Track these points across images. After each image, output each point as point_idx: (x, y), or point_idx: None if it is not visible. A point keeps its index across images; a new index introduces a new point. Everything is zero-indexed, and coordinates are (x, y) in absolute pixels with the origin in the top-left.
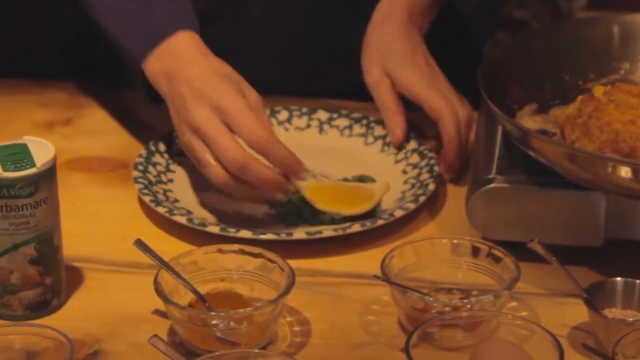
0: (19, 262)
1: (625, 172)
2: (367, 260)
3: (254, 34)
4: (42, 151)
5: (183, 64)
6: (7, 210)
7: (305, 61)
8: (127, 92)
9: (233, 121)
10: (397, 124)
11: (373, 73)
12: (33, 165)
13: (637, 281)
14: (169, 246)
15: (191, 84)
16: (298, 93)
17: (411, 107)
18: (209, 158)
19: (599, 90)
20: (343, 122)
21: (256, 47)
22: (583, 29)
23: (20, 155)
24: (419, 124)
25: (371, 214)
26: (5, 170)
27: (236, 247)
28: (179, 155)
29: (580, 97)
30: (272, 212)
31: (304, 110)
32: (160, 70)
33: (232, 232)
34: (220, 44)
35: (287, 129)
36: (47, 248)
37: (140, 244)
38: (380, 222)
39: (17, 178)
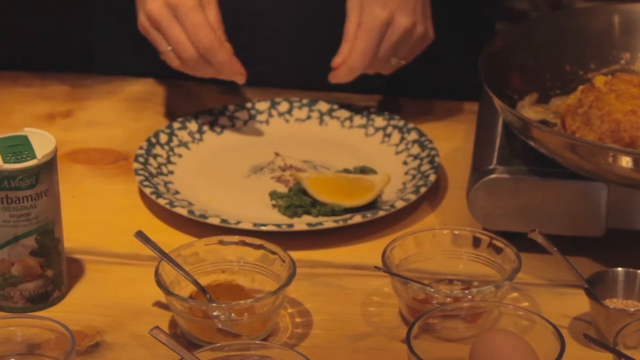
0: (19, 254)
1: (626, 162)
2: (368, 251)
3: (262, 12)
4: (42, 143)
5: None
6: (8, 202)
7: (306, 53)
8: (127, 84)
9: (181, 19)
10: (341, 52)
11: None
12: (34, 157)
13: (639, 271)
14: (169, 238)
15: None
16: (298, 86)
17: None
18: (163, 44)
19: (599, 80)
20: (343, 113)
21: (263, 27)
22: (584, 18)
23: (20, 147)
24: (422, 117)
25: (372, 205)
26: (5, 162)
27: (237, 238)
28: (180, 146)
29: (581, 87)
30: (273, 203)
31: (305, 101)
32: None
33: (232, 223)
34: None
35: (287, 121)
36: (48, 240)
37: (141, 235)
38: (381, 213)
39: (18, 170)
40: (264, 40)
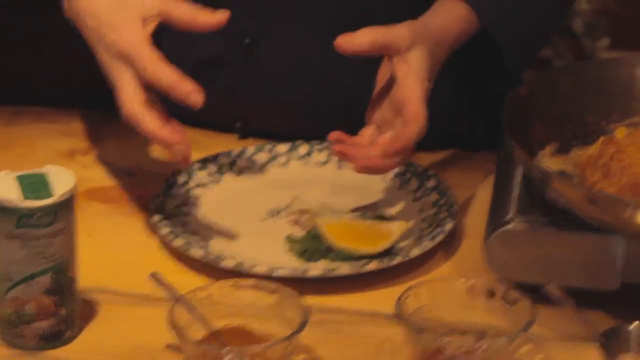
0: (34, 292)
1: None
2: (382, 299)
3: (261, 81)
4: (62, 180)
5: None
6: (25, 240)
7: (313, 109)
8: None
9: (131, 62)
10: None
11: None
12: (53, 195)
13: None
14: (185, 279)
15: (92, 22)
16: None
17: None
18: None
19: (620, 132)
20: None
21: (263, 93)
22: (607, 69)
23: (40, 184)
24: (439, 164)
25: (388, 252)
26: (25, 198)
27: (252, 282)
28: (198, 187)
29: (601, 139)
30: (289, 247)
31: (324, 144)
32: (67, 5)
33: (247, 267)
34: (227, 91)
35: (307, 164)
36: (63, 278)
37: (155, 277)
38: (396, 260)
39: (37, 207)
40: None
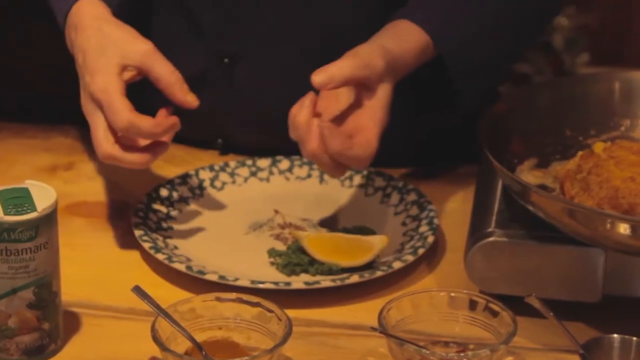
0: (17, 306)
1: (624, 228)
2: (365, 311)
3: (240, 99)
4: (43, 195)
5: (78, 32)
6: (7, 254)
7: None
8: None
9: (101, 108)
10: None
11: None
12: (34, 209)
13: (634, 338)
14: (167, 293)
15: (81, 61)
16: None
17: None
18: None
19: (599, 147)
20: (346, 172)
21: (243, 111)
22: (585, 84)
23: (21, 199)
24: (421, 178)
25: (369, 265)
26: (6, 214)
27: (234, 295)
28: (180, 201)
29: (580, 153)
30: (271, 261)
31: (305, 160)
32: (68, 41)
33: (230, 280)
34: (208, 109)
35: (288, 178)
36: (45, 293)
37: (138, 290)
38: (378, 273)
39: (18, 222)
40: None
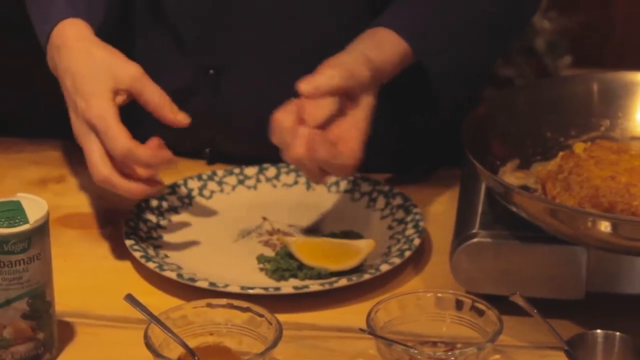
0: (11, 317)
1: (605, 226)
2: (353, 314)
3: (226, 109)
4: (35, 208)
5: (62, 53)
6: (1, 266)
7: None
8: None
9: (97, 133)
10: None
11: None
12: (26, 221)
13: (618, 333)
14: (159, 301)
15: (69, 84)
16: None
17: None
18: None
19: (579, 147)
20: (330, 178)
21: (229, 121)
22: (565, 86)
23: (13, 212)
24: (406, 182)
25: (357, 268)
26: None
27: (225, 301)
28: (169, 211)
29: (561, 154)
30: (260, 266)
31: (292, 167)
32: (51, 61)
33: (220, 286)
34: (195, 120)
35: (275, 186)
36: (39, 303)
37: (130, 298)
38: (366, 276)
39: (11, 234)
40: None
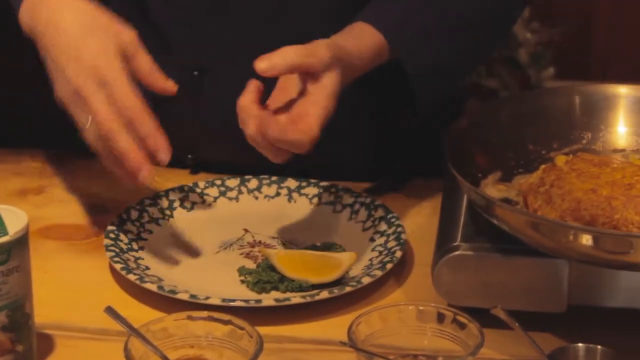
0: None
1: (586, 239)
2: (335, 327)
3: (210, 113)
4: (14, 219)
5: (45, 7)
6: None
7: None
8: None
9: (108, 87)
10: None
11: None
12: (5, 233)
13: (599, 347)
14: (139, 313)
15: (64, 39)
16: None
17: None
18: (83, 118)
19: (560, 160)
20: (312, 190)
21: (212, 125)
22: (547, 98)
23: None
24: (388, 193)
25: (339, 281)
26: None
27: (205, 314)
28: (150, 222)
29: (543, 166)
30: (242, 279)
31: (274, 179)
32: (28, 20)
33: (201, 299)
34: (177, 124)
35: (256, 197)
36: (18, 315)
37: (110, 311)
38: (347, 289)
39: None
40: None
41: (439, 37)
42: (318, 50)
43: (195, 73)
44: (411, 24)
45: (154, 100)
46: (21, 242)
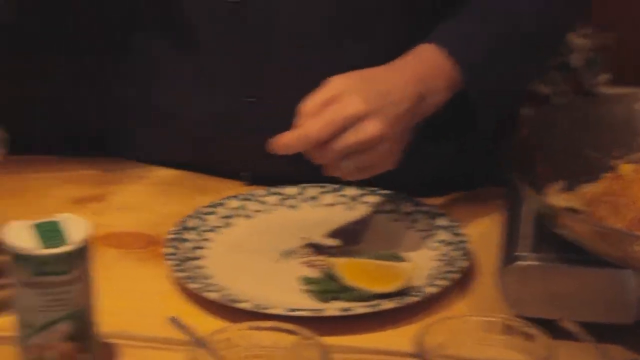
0: (54, 339)
1: None
2: (399, 337)
3: (267, 134)
4: (76, 228)
5: None
6: (44, 287)
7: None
8: (156, 169)
9: None
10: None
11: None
12: (69, 242)
13: None
14: (202, 322)
15: None
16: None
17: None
18: None
19: (625, 168)
20: (371, 198)
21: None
22: (605, 105)
23: (56, 232)
24: (449, 202)
25: (402, 290)
26: (41, 247)
27: (270, 323)
28: (209, 231)
29: (607, 175)
30: (304, 288)
31: (333, 187)
32: None
33: (265, 308)
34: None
35: (315, 206)
36: (82, 325)
37: (175, 321)
38: (411, 299)
39: (54, 255)
40: None
41: (502, 59)
42: (348, 106)
43: (252, 99)
44: (476, 46)
45: (207, 120)
46: (84, 251)
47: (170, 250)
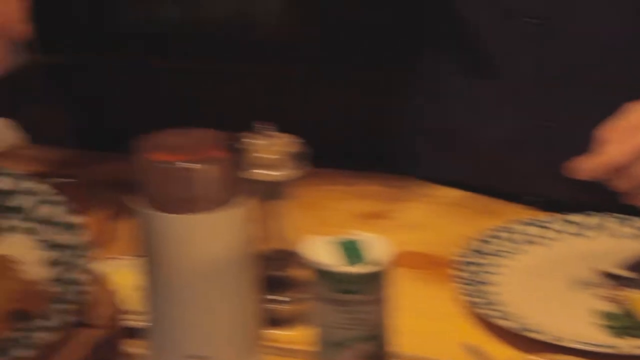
0: (351, 358)
1: None
2: None
3: (562, 161)
4: (378, 248)
5: None
6: (344, 305)
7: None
8: (441, 189)
9: None
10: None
11: None
12: (371, 262)
13: None
14: (495, 348)
15: None
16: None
17: None
18: None
19: None
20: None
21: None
22: None
23: (356, 250)
24: None
25: None
26: (345, 264)
27: (564, 357)
28: (495, 255)
29: None
30: (601, 322)
31: (634, 220)
32: None
33: (559, 340)
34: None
35: (613, 236)
36: (379, 346)
37: (469, 347)
38: None
39: (358, 275)
40: None
41: None
42: None
43: (548, 127)
44: None
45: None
46: (386, 271)
47: (459, 273)
